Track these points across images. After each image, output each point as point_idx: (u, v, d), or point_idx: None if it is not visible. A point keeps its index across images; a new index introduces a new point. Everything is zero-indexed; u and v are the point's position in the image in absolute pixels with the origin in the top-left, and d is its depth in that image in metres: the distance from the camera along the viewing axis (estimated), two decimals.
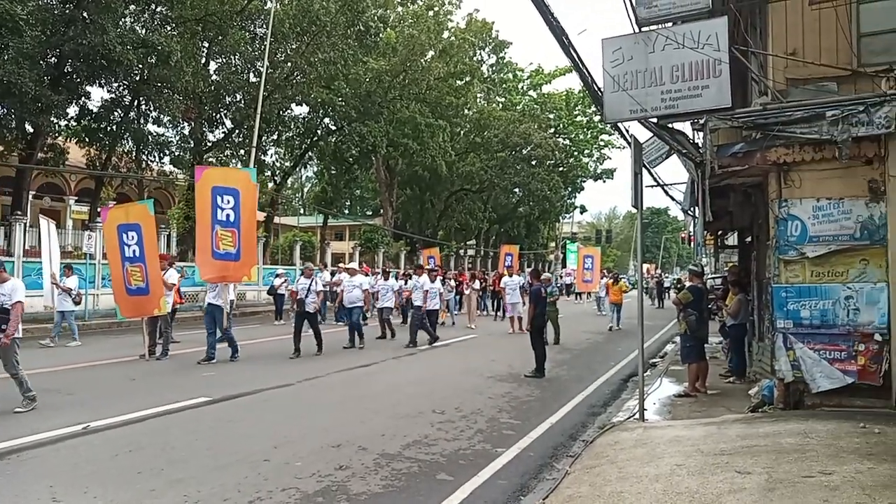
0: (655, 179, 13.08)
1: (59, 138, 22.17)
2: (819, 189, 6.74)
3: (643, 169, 8.03)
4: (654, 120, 7.10)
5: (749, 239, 12.16)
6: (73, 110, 21.02)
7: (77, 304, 13.51)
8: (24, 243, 18.10)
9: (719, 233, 16.48)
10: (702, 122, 7.27)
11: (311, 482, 5.05)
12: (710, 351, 11.28)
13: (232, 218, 11.25)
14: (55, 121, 19.92)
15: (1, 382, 8.76)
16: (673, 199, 16.19)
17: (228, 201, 11.25)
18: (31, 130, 19.54)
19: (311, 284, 12.27)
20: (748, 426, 6.26)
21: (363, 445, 6.09)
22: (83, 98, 20.98)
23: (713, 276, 24.63)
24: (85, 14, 18.02)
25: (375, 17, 27.75)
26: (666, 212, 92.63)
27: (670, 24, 6.93)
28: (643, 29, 7.00)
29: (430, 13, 35.81)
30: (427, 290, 14.74)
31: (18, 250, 17.45)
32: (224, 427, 6.75)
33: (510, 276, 19.26)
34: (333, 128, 31.44)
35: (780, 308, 6.82)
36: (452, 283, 20.84)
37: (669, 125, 7.49)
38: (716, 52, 6.42)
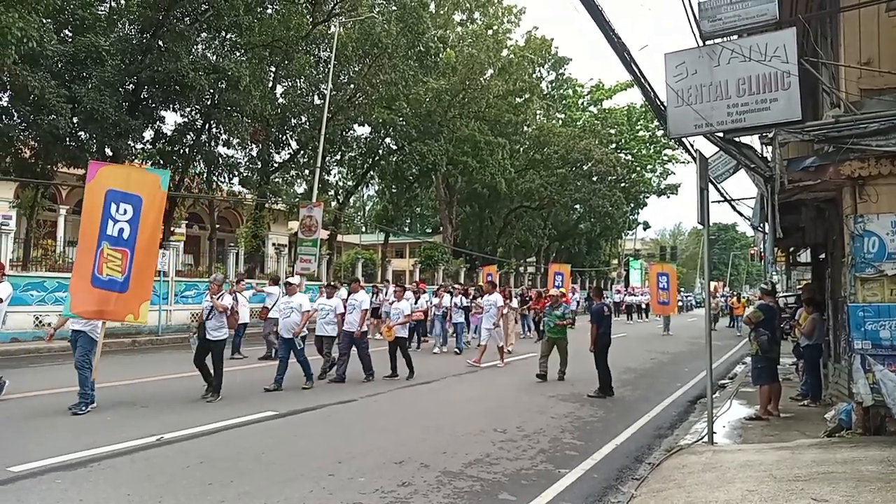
0: (722, 195, 12.71)
1: (136, 161, 23.25)
2: None
3: (709, 184, 7.86)
4: (721, 134, 6.96)
5: (823, 256, 11.68)
6: (148, 134, 22.03)
7: None
8: None
9: (791, 249, 15.90)
10: (770, 135, 7.08)
11: (375, 498, 5.09)
12: (783, 372, 10.87)
13: (126, 234, 8.59)
14: (132, 144, 20.87)
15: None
16: (741, 214, 15.70)
17: (125, 211, 8.62)
18: (111, 154, 20.56)
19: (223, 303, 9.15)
20: (825, 452, 5.98)
21: (425, 462, 6.11)
22: (158, 122, 22.01)
23: (785, 294, 23.74)
24: (160, 43, 18.96)
25: (435, 38, 28.08)
26: (734, 228, 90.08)
27: (735, 36, 6.80)
28: (707, 42, 6.89)
29: (490, 32, 36.10)
30: (365, 309, 11.11)
31: None
32: (290, 441, 6.90)
33: (490, 293, 14.89)
34: (394, 147, 31.92)
35: (858, 328, 6.52)
36: (449, 298, 17.33)
37: (736, 139, 7.33)
38: (784, 65, 6.26)
